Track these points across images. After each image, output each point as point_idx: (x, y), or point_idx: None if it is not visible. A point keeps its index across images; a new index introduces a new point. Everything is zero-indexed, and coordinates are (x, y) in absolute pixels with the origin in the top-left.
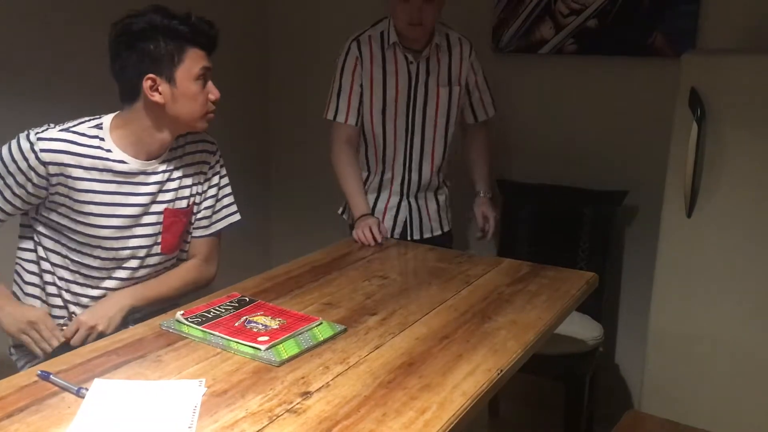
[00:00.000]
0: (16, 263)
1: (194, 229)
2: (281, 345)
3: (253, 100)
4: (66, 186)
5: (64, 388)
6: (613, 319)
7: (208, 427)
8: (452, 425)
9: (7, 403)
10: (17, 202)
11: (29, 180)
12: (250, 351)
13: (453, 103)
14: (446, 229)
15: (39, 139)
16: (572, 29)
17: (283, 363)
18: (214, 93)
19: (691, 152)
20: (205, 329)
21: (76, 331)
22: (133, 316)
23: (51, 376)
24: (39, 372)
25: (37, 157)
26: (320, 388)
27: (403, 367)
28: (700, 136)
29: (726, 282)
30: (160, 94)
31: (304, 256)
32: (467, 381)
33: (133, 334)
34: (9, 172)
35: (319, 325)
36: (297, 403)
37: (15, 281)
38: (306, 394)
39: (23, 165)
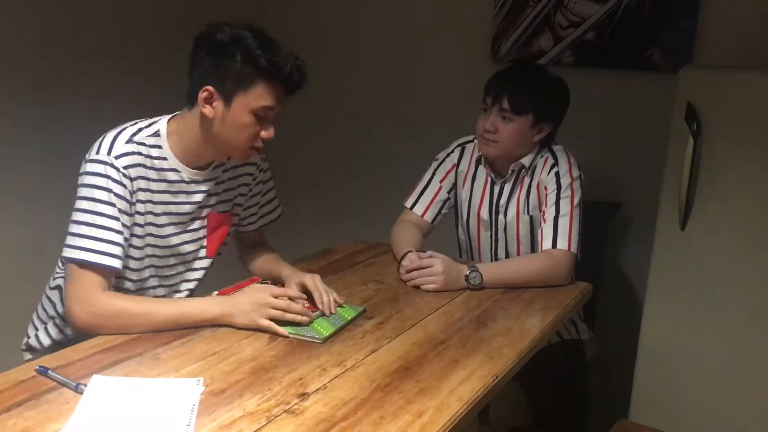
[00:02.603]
0: (50, 302)
1: (247, 224)
2: (317, 323)
3: None
4: (137, 201)
5: (63, 384)
6: (605, 330)
7: (207, 425)
8: (448, 430)
9: (5, 398)
10: (127, 233)
11: (129, 203)
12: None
13: (536, 227)
14: None
15: (117, 157)
16: (571, 41)
17: (325, 340)
18: (267, 132)
19: (686, 166)
20: None
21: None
22: None
23: (49, 372)
24: (37, 367)
25: (126, 177)
26: (318, 389)
27: (400, 371)
28: (695, 150)
29: (718, 295)
30: (212, 108)
31: (300, 258)
32: (463, 386)
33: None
34: (119, 209)
35: (340, 307)
36: (295, 404)
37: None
38: (303, 396)
39: (120, 190)
